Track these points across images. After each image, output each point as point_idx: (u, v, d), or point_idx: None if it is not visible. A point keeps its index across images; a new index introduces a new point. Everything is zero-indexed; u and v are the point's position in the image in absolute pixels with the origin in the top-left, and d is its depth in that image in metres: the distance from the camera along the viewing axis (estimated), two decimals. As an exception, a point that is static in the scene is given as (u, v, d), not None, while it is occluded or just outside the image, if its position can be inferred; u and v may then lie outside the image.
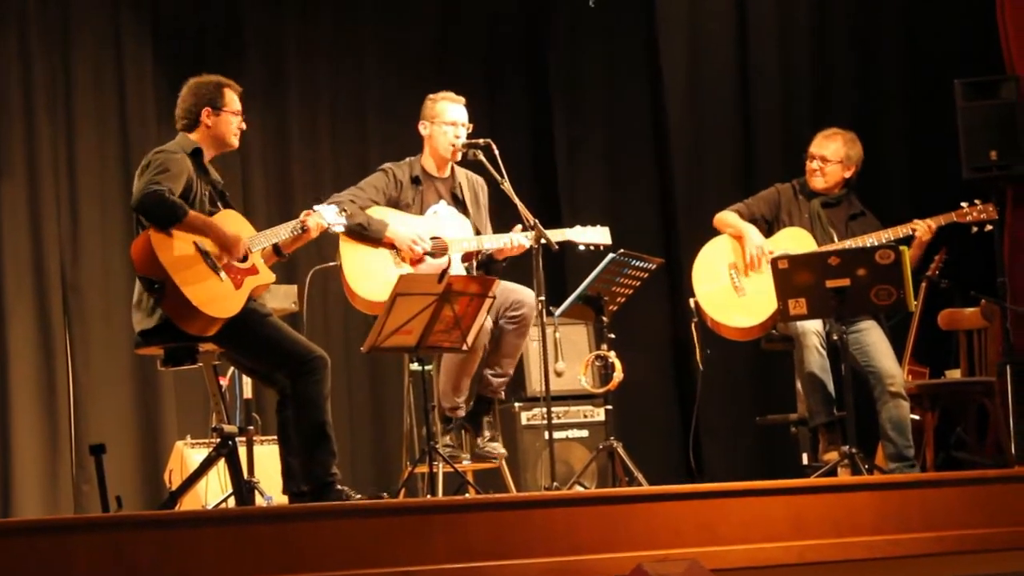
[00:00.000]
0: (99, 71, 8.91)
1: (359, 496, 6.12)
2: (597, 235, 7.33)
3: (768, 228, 7.67)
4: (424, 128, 7.34)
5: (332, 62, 9.57)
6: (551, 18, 10.05)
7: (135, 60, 8.98)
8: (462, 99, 7.33)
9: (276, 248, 6.47)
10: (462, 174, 7.40)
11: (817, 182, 7.66)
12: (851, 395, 6.84)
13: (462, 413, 7.20)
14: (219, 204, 6.35)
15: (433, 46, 9.82)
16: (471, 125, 7.28)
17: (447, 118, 7.27)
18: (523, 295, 7.10)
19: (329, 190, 7.45)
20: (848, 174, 7.66)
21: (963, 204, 7.49)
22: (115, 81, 8.93)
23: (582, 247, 7.32)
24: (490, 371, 7.23)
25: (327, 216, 6.57)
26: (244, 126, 6.48)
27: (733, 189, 9.00)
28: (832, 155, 7.63)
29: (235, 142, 6.46)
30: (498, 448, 7.24)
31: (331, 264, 7.36)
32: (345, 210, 6.81)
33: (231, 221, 6.30)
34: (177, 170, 6.14)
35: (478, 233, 7.27)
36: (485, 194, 7.42)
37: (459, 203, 7.32)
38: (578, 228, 7.33)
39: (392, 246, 7.14)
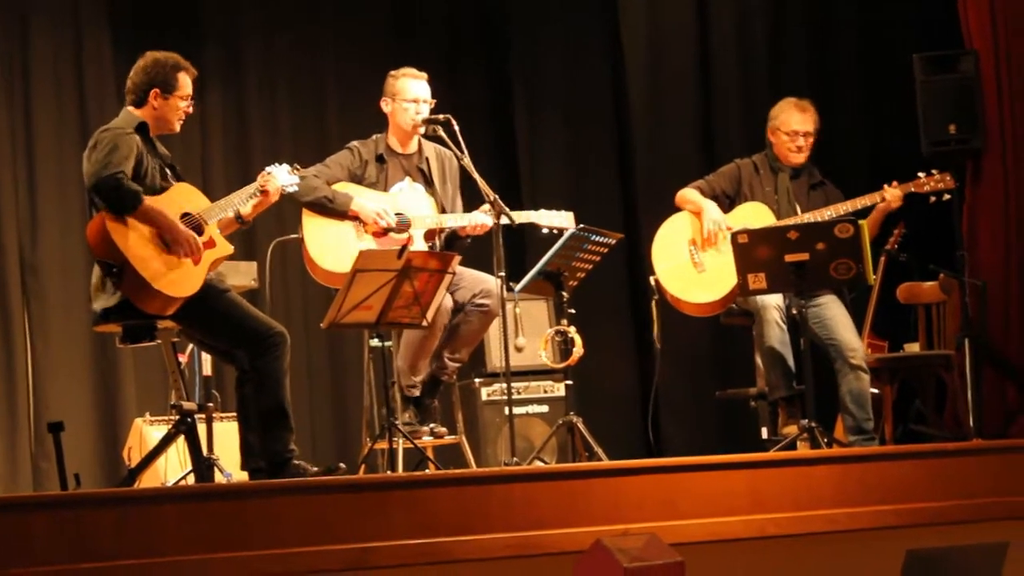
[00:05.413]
0: (57, 53, 8.86)
1: (316, 468, 6.11)
2: (561, 219, 7.34)
3: (730, 204, 7.67)
4: (386, 105, 7.32)
5: (291, 40, 9.53)
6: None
7: (93, 41, 8.94)
8: (424, 75, 7.30)
9: (237, 215, 6.44)
10: (431, 149, 7.36)
11: (799, 158, 7.65)
12: (810, 369, 6.86)
13: (417, 392, 7.21)
14: (170, 178, 6.32)
15: (392, 26, 9.78)
16: (434, 101, 7.26)
17: (408, 95, 7.25)
18: (492, 286, 7.04)
19: (289, 166, 7.43)
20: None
21: (920, 174, 7.53)
22: (73, 63, 8.88)
23: (545, 230, 7.32)
24: (448, 354, 7.23)
25: (280, 177, 6.58)
26: (191, 110, 6.41)
27: (694, 167, 8.98)
28: (814, 128, 7.65)
29: (177, 127, 6.39)
30: (439, 429, 7.26)
31: (293, 236, 7.34)
32: (298, 168, 6.78)
33: (184, 194, 6.28)
34: (127, 149, 6.09)
35: (443, 209, 7.26)
36: (455, 168, 7.39)
37: (425, 180, 7.31)
38: (543, 211, 7.34)
39: (356, 219, 7.12)
